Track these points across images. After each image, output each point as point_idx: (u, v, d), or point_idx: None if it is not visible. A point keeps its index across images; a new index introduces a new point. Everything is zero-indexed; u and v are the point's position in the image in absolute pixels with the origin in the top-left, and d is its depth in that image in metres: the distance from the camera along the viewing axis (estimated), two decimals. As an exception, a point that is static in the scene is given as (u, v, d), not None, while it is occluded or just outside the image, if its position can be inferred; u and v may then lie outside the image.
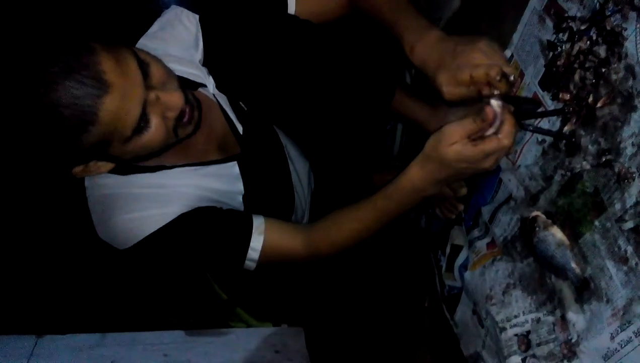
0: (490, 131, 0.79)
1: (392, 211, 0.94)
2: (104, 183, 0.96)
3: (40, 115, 0.78)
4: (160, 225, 0.94)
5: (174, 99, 0.87)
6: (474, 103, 0.84)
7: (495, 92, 0.82)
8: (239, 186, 1.09)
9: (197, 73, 1.04)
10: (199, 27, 1.04)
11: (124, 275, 1.52)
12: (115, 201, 0.96)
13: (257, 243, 1.00)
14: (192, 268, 1.25)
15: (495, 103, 0.78)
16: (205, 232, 0.99)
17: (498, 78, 0.81)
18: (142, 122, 0.84)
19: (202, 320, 1.43)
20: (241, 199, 1.09)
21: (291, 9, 1.06)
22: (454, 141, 0.80)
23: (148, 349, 1.28)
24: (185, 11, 1.03)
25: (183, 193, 0.99)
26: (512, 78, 0.81)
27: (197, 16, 1.04)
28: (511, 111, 0.79)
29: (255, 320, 1.46)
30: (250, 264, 1.02)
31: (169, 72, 0.90)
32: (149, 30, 1.01)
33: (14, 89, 0.78)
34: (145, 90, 0.83)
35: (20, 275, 1.56)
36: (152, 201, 0.96)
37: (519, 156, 0.95)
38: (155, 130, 0.86)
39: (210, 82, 1.07)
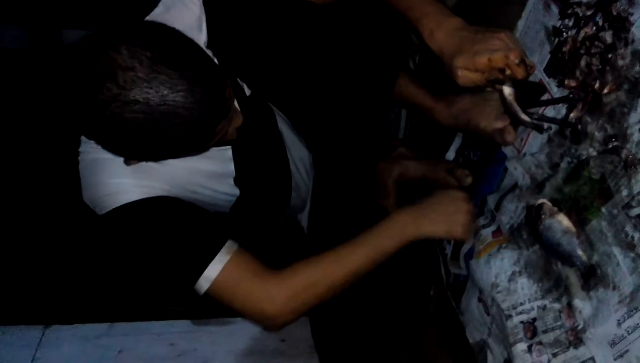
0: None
1: (380, 253, 1.01)
2: (97, 148, 0.95)
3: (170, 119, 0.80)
4: (140, 197, 0.92)
5: (240, 120, 0.92)
6: (481, 90, 0.84)
7: (508, 74, 0.83)
8: (230, 168, 1.08)
9: None
10: (203, 8, 1.03)
11: (131, 265, 1.53)
12: (103, 164, 0.94)
13: (214, 268, 0.92)
14: (139, 264, 1.16)
15: (507, 90, 0.78)
16: (177, 223, 0.95)
17: (517, 61, 0.82)
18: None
19: (209, 310, 1.43)
20: (232, 181, 1.08)
21: None
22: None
23: (155, 338, 1.29)
24: None
25: (170, 174, 0.97)
26: (532, 68, 0.82)
27: None
28: (517, 98, 0.79)
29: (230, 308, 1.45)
30: (199, 287, 0.94)
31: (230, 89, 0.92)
32: (153, 12, 1.00)
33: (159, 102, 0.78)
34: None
35: (27, 266, 1.56)
36: (139, 172, 0.94)
37: (524, 144, 0.95)
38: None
39: None
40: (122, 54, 0.76)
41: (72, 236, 1.56)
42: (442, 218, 1.00)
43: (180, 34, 0.83)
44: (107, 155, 0.93)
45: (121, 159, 0.93)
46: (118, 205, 0.92)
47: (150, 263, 1.00)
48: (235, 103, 0.91)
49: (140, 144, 0.82)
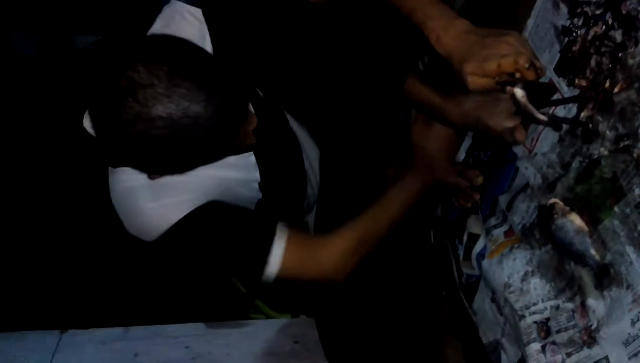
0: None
1: (400, 208, 1.07)
2: (125, 177, 0.97)
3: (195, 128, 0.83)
4: (186, 212, 0.94)
5: (255, 121, 0.94)
6: (489, 91, 0.84)
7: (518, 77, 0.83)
8: (256, 174, 1.09)
9: None
10: (204, 20, 1.04)
11: (145, 269, 1.54)
12: (138, 191, 0.96)
13: (278, 250, 0.98)
14: (211, 265, 1.24)
15: (519, 92, 0.78)
16: (230, 224, 0.98)
17: (527, 65, 0.81)
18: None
19: (222, 312, 1.44)
20: (257, 186, 1.10)
21: None
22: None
23: (170, 342, 1.29)
24: (187, 6, 1.03)
25: (203, 184, 0.99)
26: (542, 71, 0.82)
27: (199, 9, 1.04)
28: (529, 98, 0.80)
29: (274, 311, 1.47)
30: (268, 275, 1.00)
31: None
32: (152, 28, 1.01)
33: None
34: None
35: (44, 272, 1.58)
36: (174, 188, 0.95)
37: (535, 144, 0.95)
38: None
39: None
40: (139, 71, 0.77)
41: (88, 242, 1.58)
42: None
43: (191, 44, 0.84)
44: (133, 183, 0.95)
45: (148, 183, 0.95)
46: (169, 226, 0.94)
47: (218, 267, 1.11)
48: (250, 106, 0.92)
49: (167, 157, 0.83)
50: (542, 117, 0.84)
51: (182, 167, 0.90)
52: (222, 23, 1.04)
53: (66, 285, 1.56)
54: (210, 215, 0.96)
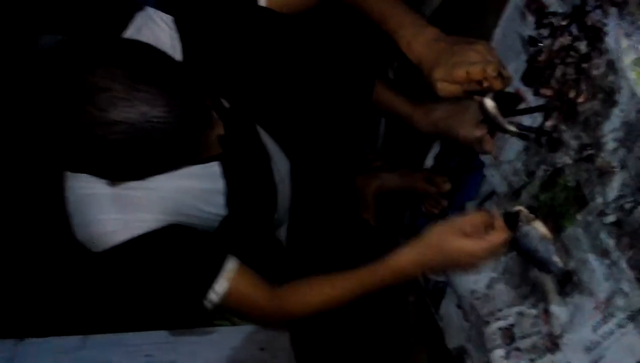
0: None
1: (373, 287, 0.96)
2: (84, 183, 0.94)
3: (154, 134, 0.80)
4: (139, 233, 0.93)
5: (221, 128, 0.91)
6: (458, 100, 0.85)
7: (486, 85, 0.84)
8: (221, 185, 1.08)
9: None
10: (174, 27, 1.03)
11: (105, 277, 1.50)
12: (97, 200, 0.94)
13: (220, 287, 0.95)
14: (151, 289, 1.20)
15: (489, 102, 0.79)
16: (178, 252, 0.96)
17: (494, 74, 0.82)
18: None
19: (186, 320, 1.41)
20: (223, 199, 1.08)
21: (262, 1, 1.05)
22: (463, 233, 0.84)
23: (131, 350, 1.26)
24: (159, 12, 1.01)
25: (165, 198, 0.97)
26: (508, 78, 0.83)
27: (170, 17, 1.02)
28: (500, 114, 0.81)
29: (239, 318, 1.45)
30: (208, 305, 0.98)
31: None
32: (124, 34, 1.00)
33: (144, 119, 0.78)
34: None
35: (-1, 278, 1.53)
36: (135, 204, 0.93)
37: (501, 152, 0.96)
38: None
39: None
40: (97, 75, 0.75)
41: (44, 248, 1.53)
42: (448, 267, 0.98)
43: (153, 47, 0.82)
44: (94, 190, 0.92)
45: (109, 193, 0.92)
46: (114, 244, 0.92)
47: (157, 290, 1.08)
48: (214, 113, 0.90)
49: (127, 163, 0.81)
50: (511, 128, 0.85)
51: (142, 173, 0.88)
52: (193, 31, 1.03)
53: (23, 292, 1.51)
54: (156, 242, 0.94)
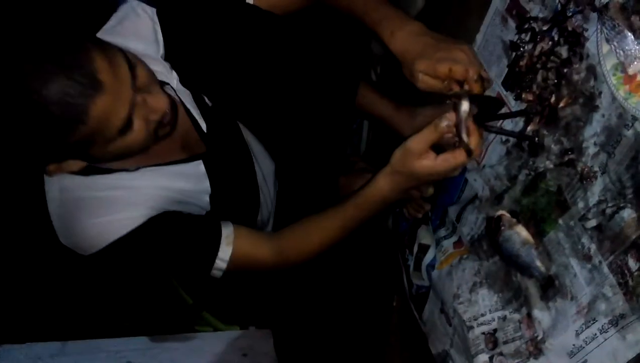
0: (459, 138, 0.81)
1: (360, 219, 0.98)
2: (66, 186, 0.93)
3: (30, 112, 0.77)
4: (126, 231, 0.92)
5: (160, 102, 0.88)
6: (439, 103, 0.85)
7: (466, 87, 0.85)
8: (205, 185, 1.07)
9: (160, 70, 1.02)
10: (157, 20, 1.01)
11: (84, 281, 1.48)
12: (79, 205, 0.93)
13: (225, 253, 0.99)
14: (156, 275, 1.22)
15: (464, 104, 0.79)
16: (173, 239, 0.97)
17: (475, 78, 0.84)
18: (127, 124, 0.84)
19: (167, 326, 1.40)
20: (208, 199, 1.07)
21: None
22: (420, 154, 0.83)
23: (111, 356, 1.25)
24: (142, 4, 1.01)
25: (148, 195, 0.96)
26: (488, 83, 0.85)
27: (153, 9, 1.01)
28: (474, 113, 0.80)
29: (222, 323, 1.44)
30: (216, 273, 1.01)
31: (152, 73, 0.91)
32: (106, 25, 0.98)
33: (6, 82, 0.76)
34: (134, 93, 0.84)
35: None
36: (117, 204, 0.93)
37: (483, 156, 0.96)
38: (138, 131, 0.86)
39: (173, 77, 1.05)
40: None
41: (23, 252, 1.50)
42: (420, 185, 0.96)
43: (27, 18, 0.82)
44: (77, 194, 0.91)
45: (97, 196, 0.92)
46: (107, 243, 0.92)
47: (165, 272, 1.13)
48: (152, 83, 0.88)
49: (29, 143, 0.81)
50: (464, 138, 0.81)
51: (60, 152, 0.86)
52: (175, 25, 1.02)
53: (-1, 297, 1.48)
54: (151, 232, 0.95)
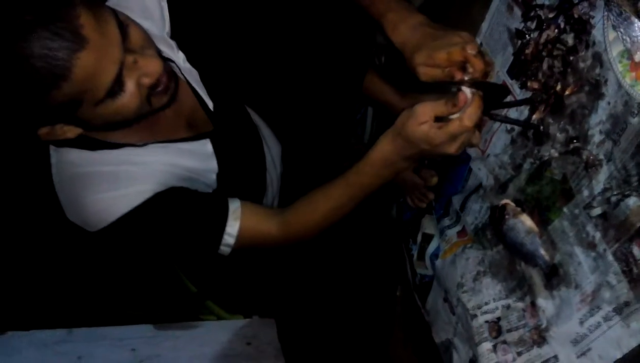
0: (457, 115, 0.79)
1: (365, 186, 0.94)
2: (72, 161, 0.92)
3: (10, 65, 0.75)
4: (134, 205, 0.91)
5: (152, 64, 0.85)
6: (445, 92, 0.85)
7: (470, 73, 0.85)
8: (213, 164, 1.06)
9: (165, 48, 1.01)
10: None
11: (90, 269, 1.48)
12: (85, 180, 0.92)
13: (232, 228, 0.98)
14: (164, 253, 1.20)
15: (467, 89, 0.78)
16: (180, 214, 0.96)
17: (474, 52, 0.84)
18: (117, 85, 0.82)
19: (171, 314, 1.40)
20: (215, 177, 1.07)
21: None
22: (423, 120, 0.81)
23: (116, 344, 1.25)
24: None
25: (156, 171, 0.96)
26: (490, 66, 0.83)
27: None
28: (481, 97, 0.80)
29: (225, 312, 1.44)
30: (225, 249, 1.00)
31: (147, 37, 0.88)
32: (111, 1, 0.97)
33: None
34: (123, 52, 0.81)
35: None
36: (124, 179, 0.92)
37: (488, 145, 0.96)
38: (129, 95, 0.84)
39: (179, 57, 1.04)
40: None
41: (27, 239, 1.51)
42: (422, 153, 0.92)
43: None
44: (84, 169, 0.91)
45: (103, 170, 0.91)
46: (115, 218, 0.91)
47: (173, 249, 1.07)
48: (134, 42, 0.85)
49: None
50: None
51: (50, 113, 0.83)
52: (181, 3, 1.01)
53: (4, 283, 1.48)
54: (158, 206, 0.93)
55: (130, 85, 0.83)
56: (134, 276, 1.50)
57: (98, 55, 0.77)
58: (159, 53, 0.90)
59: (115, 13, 0.82)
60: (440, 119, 0.81)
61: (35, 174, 0.96)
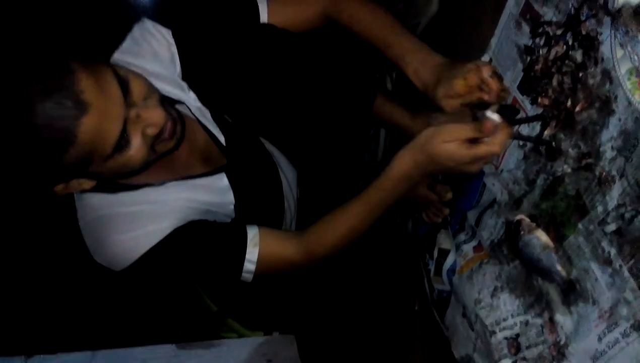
0: (486, 139, 0.81)
1: (385, 202, 0.94)
2: (94, 205, 0.95)
3: (18, 137, 0.78)
4: (155, 242, 0.94)
5: (156, 115, 0.87)
6: (462, 116, 0.87)
7: (487, 95, 0.88)
8: (230, 196, 1.08)
9: (175, 90, 1.03)
10: (172, 40, 1.03)
11: (113, 292, 1.51)
12: (108, 222, 0.95)
13: (252, 255, 0.99)
14: (186, 284, 1.23)
15: (493, 115, 0.79)
16: (200, 246, 0.98)
17: (489, 74, 0.87)
18: (123, 140, 0.84)
19: (193, 333, 1.42)
20: (232, 208, 1.08)
21: (263, 19, 1.06)
22: (449, 140, 0.82)
23: (139, 365, 1.27)
24: (157, 25, 1.02)
25: (175, 208, 0.98)
26: (506, 93, 0.88)
27: (169, 30, 1.03)
28: (509, 126, 0.81)
29: (246, 329, 1.45)
30: (247, 276, 1.01)
31: (149, 87, 0.90)
32: (122, 46, 1.00)
33: None
34: (126, 108, 0.83)
35: (8, 295, 1.54)
36: (144, 218, 0.95)
37: (501, 160, 0.96)
38: (136, 147, 0.87)
39: (190, 96, 1.07)
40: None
41: (53, 266, 1.54)
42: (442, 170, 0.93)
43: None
44: (105, 211, 0.93)
45: (124, 211, 0.93)
46: (137, 256, 0.93)
47: (195, 279, 1.12)
48: (139, 96, 0.87)
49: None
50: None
51: (61, 172, 0.86)
52: (191, 45, 1.04)
53: (32, 308, 1.52)
54: (179, 240, 0.96)
55: (135, 138, 0.86)
56: (156, 298, 1.52)
57: (101, 117, 0.80)
58: (162, 99, 0.91)
59: (114, 70, 0.84)
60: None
61: (61, 215, 0.99)
